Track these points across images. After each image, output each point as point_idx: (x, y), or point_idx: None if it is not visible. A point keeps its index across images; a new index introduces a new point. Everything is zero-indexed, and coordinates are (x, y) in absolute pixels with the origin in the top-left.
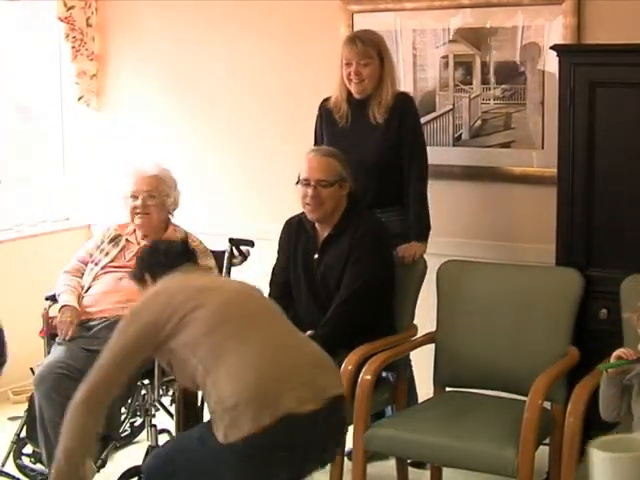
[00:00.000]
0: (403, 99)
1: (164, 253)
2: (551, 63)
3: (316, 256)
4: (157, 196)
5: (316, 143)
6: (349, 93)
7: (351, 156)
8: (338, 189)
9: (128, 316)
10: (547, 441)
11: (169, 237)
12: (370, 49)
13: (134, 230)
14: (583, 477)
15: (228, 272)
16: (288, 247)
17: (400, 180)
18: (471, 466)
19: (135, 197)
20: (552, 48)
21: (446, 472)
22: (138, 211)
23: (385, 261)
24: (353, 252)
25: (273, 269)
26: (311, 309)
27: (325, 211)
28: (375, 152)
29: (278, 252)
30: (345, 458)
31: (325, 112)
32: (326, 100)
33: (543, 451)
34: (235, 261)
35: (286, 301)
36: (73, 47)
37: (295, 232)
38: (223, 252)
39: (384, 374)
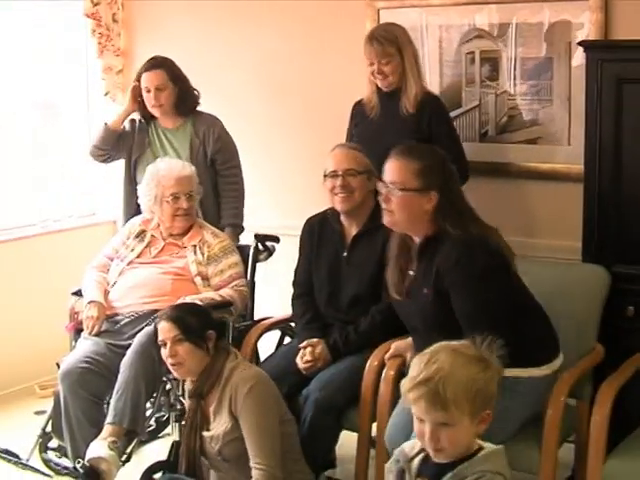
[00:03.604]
0: (437, 103)
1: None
2: (578, 59)
3: (345, 254)
4: (194, 195)
5: None
6: (378, 86)
7: (378, 145)
8: (366, 180)
9: None
10: (572, 439)
11: (197, 237)
12: (388, 47)
13: (158, 225)
14: (610, 475)
15: (253, 268)
16: (310, 247)
17: None
18: None
19: (177, 198)
20: (579, 44)
21: None
22: (181, 213)
23: None
24: None
25: (296, 269)
26: (332, 307)
27: (355, 201)
28: (404, 141)
29: (300, 251)
30: None
31: (356, 110)
32: (359, 100)
33: (568, 448)
34: (260, 257)
35: (308, 300)
36: (99, 43)
37: (318, 231)
38: (248, 247)
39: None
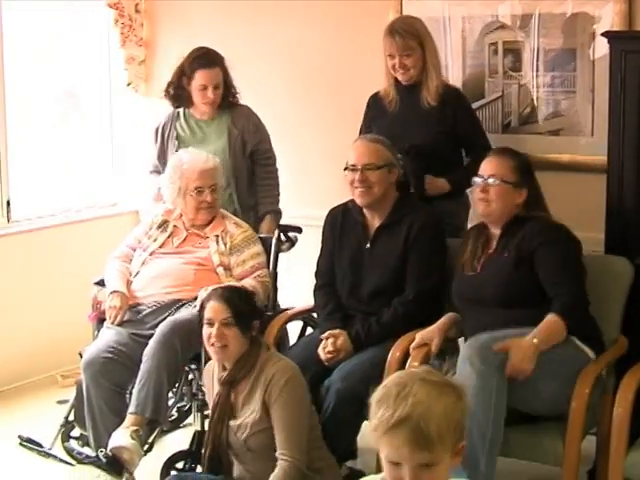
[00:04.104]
0: (458, 95)
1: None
2: (601, 50)
3: (367, 246)
4: (219, 188)
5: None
6: (396, 79)
7: (401, 139)
8: (387, 174)
9: None
10: (594, 431)
11: (219, 227)
12: (409, 41)
13: (180, 215)
14: (632, 467)
15: (276, 258)
16: (332, 238)
17: (447, 167)
18: (517, 455)
19: (200, 191)
20: (603, 35)
21: None
22: (204, 205)
23: (443, 256)
24: (414, 247)
25: (318, 260)
26: (354, 298)
27: (374, 195)
28: (427, 134)
29: (322, 242)
30: None
31: (374, 103)
32: (375, 93)
33: (590, 441)
34: (283, 247)
35: (330, 291)
36: (122, 33)
37: (340, 222)
38: (270, 237)
39: (433, 362)
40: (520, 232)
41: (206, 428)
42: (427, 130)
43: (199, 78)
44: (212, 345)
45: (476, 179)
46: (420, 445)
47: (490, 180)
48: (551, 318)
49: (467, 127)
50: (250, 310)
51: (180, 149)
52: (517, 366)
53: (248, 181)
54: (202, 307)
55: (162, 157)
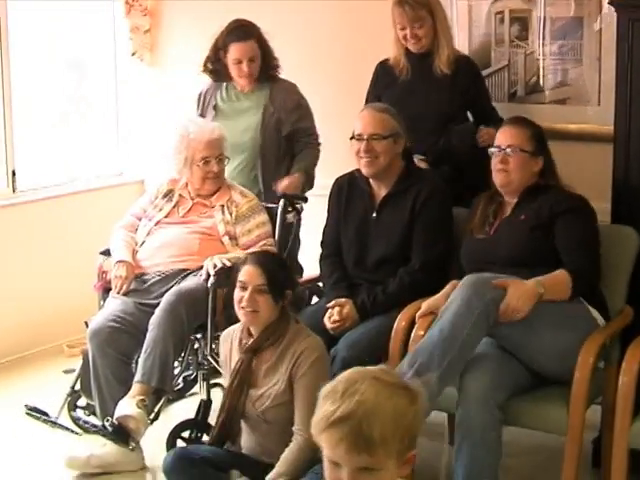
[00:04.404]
0: (470, 63)
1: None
2: (608, 18)
3: (374, 215)
4: (224, 158)
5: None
6: (406, 48)
7: (415, 107)
8: (392, 144)
9: None
10: (599, 400)
11: (224, 196)
12: (419, 11)
13: (186, 185)
14: (637, 437)
15: (281, 228)
16: (338, 207)
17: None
18: (522, 423)
19: (207, 162)
20: (610, 3)
21: None
22: (211, 176)
23: (450, 226)
24: (420, 217)
25: (324, 229)
26: (360, 267)
27: (380, 165)
28: (444, 102)
29: (328, 211)
30: None
31: (382, 72)
32: (383, 61)
33: (595, 410)
34: (288, 216)
35: (336, 260)
36: (127, 2)
37: (346, 191)
38: (276, 207)
39: None
40: (538, 199)
41: (212, 397)
42: (441, 98)
43: (233, 52)
44: (242, 308)
45: (493, 149)
46: (360, 447)
47: (508, 150)
48: (560, 273)
49: (482, 95)
50: (285, 279)
51: (216, 119)
52: (512, 304)
53: (276, 162)
54: (237, 270)
55: None
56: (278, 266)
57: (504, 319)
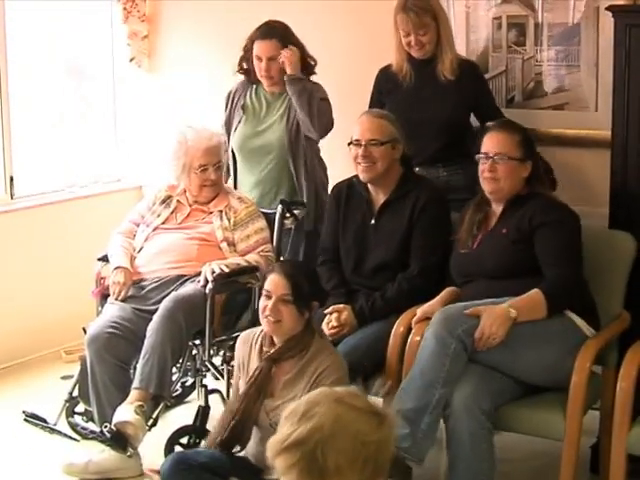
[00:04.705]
0: (474, 67)
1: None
2: (606, 24)
3: (372, 221)
4: (222, 165)
5: None
6: (409, 54)
7: (419, 113)
8: (390, 150)
9: None
10: (597, 406)
11: (223, 202)
12: (424, 17)
13: (184, 191)
14: (635, 443)
15: (279, 233)
16: (337, 213)
17: (464, 135)
18: (518, 429)
19: (205, 169)
20: (607, 9)
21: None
22: (209, 183)
23: (448, 231)
24: (418, 223)
25: (322, 235)
26: (358, 273)
27: (377, 171)
28: (449, 108)
29: (326, 217)
30: None
31: (384, 78)
32: (384, 68)
33: (593, 416)
34: (286, 222)
35: (334, 266)
36: (124, 9)
37: (345, 197)
38: (274, 213)
39: None
40: (521, 210)
41: (210, 403)
42: (446, 103)
43: (255, 49)
44: (265, 317)
45: (481, 156)
46: (312, 475)
47: (496, 158)
48: (533, 292)
49: (487, 99)
50: (312, 290)
51: (244, 119)
52: (487, 331)
53: (303, 163)
54: (264, 277)
55: (228, 124)
56: (305, 276)
57: (482, 347)
